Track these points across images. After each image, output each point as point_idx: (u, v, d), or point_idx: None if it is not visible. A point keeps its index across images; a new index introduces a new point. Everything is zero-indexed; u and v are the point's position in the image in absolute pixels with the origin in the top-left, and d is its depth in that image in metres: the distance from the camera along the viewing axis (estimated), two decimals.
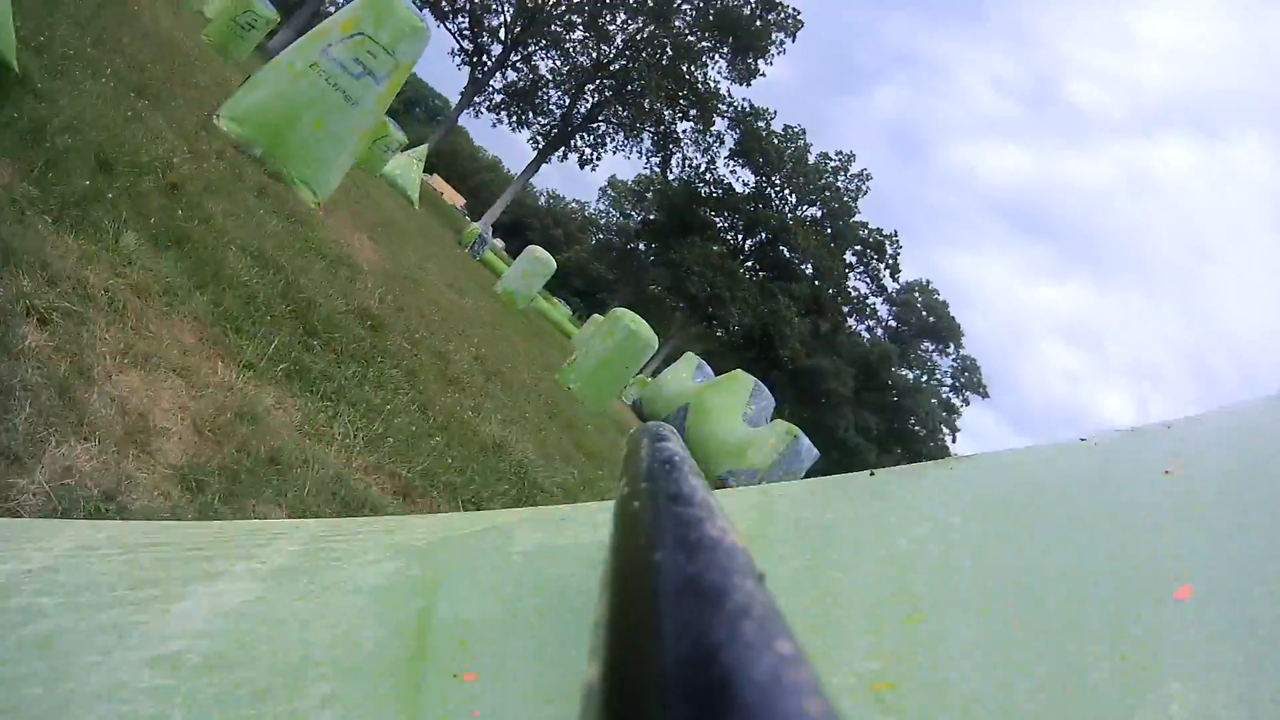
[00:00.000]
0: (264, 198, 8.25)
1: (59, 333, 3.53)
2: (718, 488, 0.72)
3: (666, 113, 57.37)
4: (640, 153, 60.37)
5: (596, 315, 42.89)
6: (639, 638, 0.34)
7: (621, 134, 59.02)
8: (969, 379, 76.27)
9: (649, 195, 67.99)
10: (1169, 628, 0.64)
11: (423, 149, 37.25)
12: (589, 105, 57.50)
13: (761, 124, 60.27)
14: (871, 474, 0.90)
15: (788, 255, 62.53)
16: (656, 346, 19.24)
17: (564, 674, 0.66)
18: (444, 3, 55.18)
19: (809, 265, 62.87)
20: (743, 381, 24.24)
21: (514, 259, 34.06)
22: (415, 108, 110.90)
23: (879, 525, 0.80)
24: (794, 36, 56.16)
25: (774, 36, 55.60)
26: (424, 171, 39.79)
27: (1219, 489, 0.77)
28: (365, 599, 0.77)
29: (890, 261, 65.41)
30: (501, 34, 56.26)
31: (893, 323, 74.49)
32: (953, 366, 76.83)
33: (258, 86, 10.21)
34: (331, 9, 47.87)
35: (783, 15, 55.48)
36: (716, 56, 55.98)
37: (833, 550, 0.78)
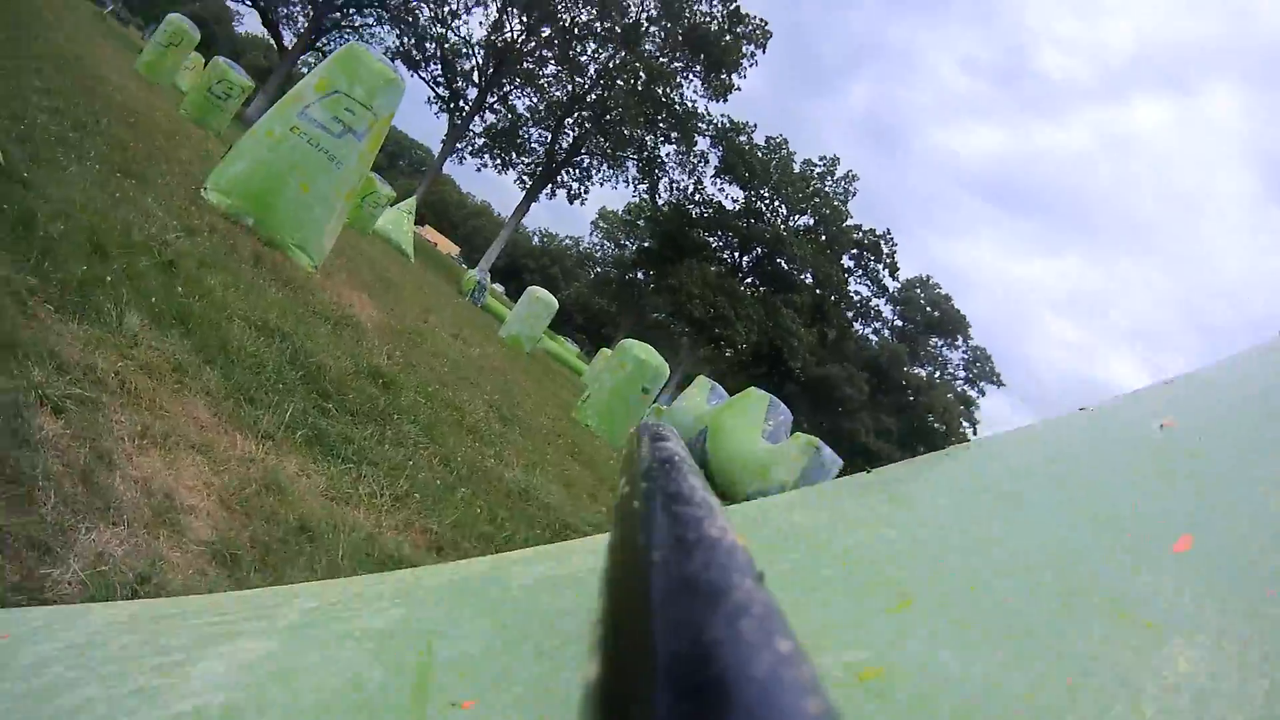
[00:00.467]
0: (260, 266, 8.18)
1: (75, 420, 3.51)
2: None
3: (648, 138, 57.80)
4: (627, 181, 60.85)
5: (605, 349, 42.85)
6: (638, 636, 0.34)
7: (606, 164, 59.49)
8: (981, 369, 76.42)
9: (641, 223, 68.30)
10: (1169, 582, 0.64)
11: (411, 201, 37.38)
12: (570, 139, 57.87)
13: (743, 138, 60.55)
14: (867, 471, 0.96)
15: (786, 267, 62.62)
16: (668, 373, 19.23)
17: (561, 696, 0.67)
18: (415, 52, 55.78)
19: (808, 274, 62.95)
20: (757, 399, 24.06)
21: (515, 302, 34.10)
22: (399, 160, 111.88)
23: (868, 519, 0.82)
24: (764, 47, 56.70)
25: (744, 49, 56.04)
26: (415, 224, 39.93)
27: (1215, 438, 0.79)
28: (371, 643, 0.79)
29: (888, 261, 65.49)
30: (475, 77, 56.77)
31: (898, 322, 74.68)
32: (964, 359, 77.01)
33: (241, 156, 10.14)
34: (305, 69, 48.33)
35: (750, 27, 55.97)
36: (690, 76, 56.50)
37: (821, 548, 0.79)
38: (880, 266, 66.16)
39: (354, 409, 6.12)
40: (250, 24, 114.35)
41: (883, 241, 64.36)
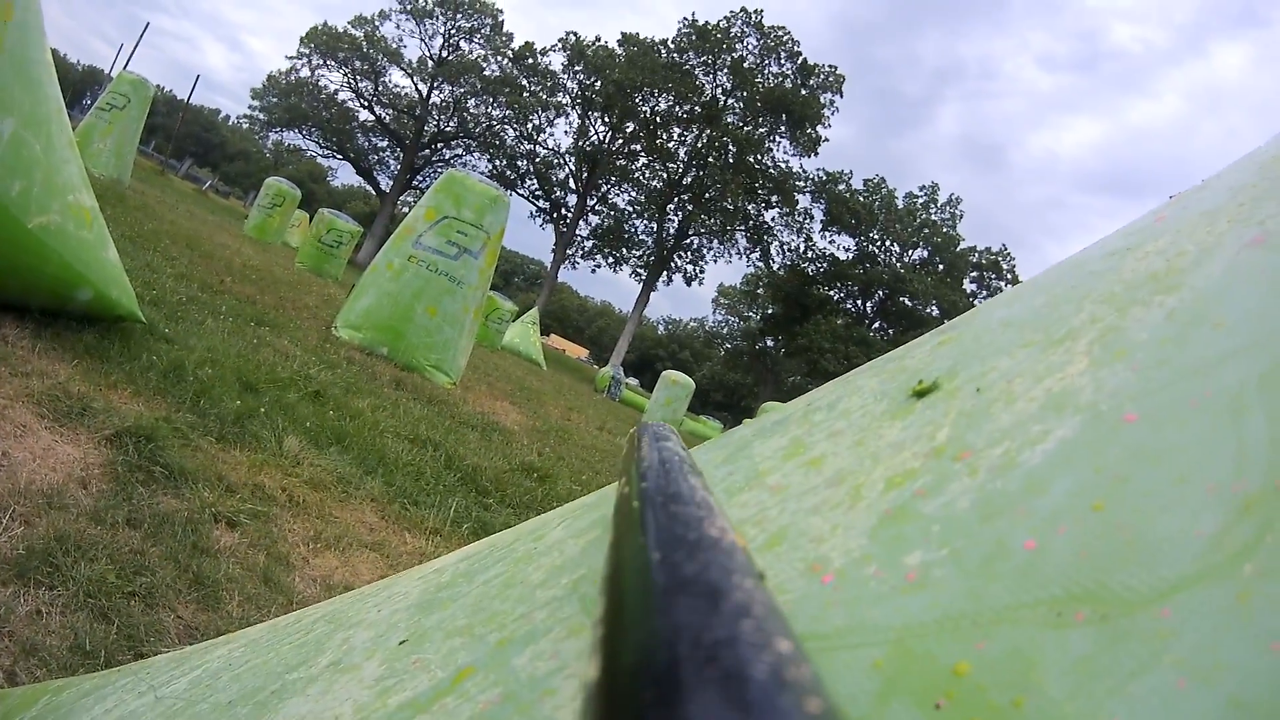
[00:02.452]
0: (401, 389, 8.41)
1: (249, 532, 3.65)
2: None
3: (750, 207, 57.83)
4: (739, 253, 60.77)
5: (748, 419, 42.53)
6: (638, 636, 0.34)
7: (715, 241, 59.59)
8: None
9: (760, 291, 67.96)
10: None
11: (534, 312, 38.10)
12: (676, 224, 58.26)
13: (842, 187, 60.08)
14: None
15: (910, 304, 61.54)
16: None
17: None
18: (509, 172, 57.16)
19: (933, 306, 61.73)
20: None
21: (650, 392, 34.19)
22: (514, 278, 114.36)
23: None
24: (840, 92, 56.53)
25: (822, 99, 56.00)
26: (540, 334, 40.57)
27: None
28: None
29: (1010, 277, 63.88)
30: (572, 183, 57.86)
31: None
32: None
33: (364, 292, 10.50)
34: (406, 208, 49.98)
35: (822, 77, 56.00)
36: (776, 137, 56.51)
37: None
38: (1003, 285, 64.54)
39: (513, 501, 6.21)
40: (345, 176, 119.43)
41: (1000, 258, 62.88)
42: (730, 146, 55.07)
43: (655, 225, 58.67)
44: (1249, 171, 0.78)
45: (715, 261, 61.40)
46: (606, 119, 56.87)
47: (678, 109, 56.08)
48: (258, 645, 1.11)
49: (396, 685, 0.77)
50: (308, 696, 0.85)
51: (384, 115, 60.60)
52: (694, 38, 56.03)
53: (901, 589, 0.52)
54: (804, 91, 55.62)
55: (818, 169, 61.64)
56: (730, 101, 56.28)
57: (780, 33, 55.83)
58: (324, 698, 0.83)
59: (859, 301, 63.71)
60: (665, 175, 57.42)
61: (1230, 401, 0.49)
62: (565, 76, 58.51)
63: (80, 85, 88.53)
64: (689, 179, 57.02)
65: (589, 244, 59.95)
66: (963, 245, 62.32)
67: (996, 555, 0.49)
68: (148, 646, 2.52)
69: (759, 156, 56.05)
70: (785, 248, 62.08)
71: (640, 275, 59.46)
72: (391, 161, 61.76)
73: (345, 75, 59.32)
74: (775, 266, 62.76)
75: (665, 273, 59.06)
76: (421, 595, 0.95)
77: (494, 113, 59.23)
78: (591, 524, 0.89)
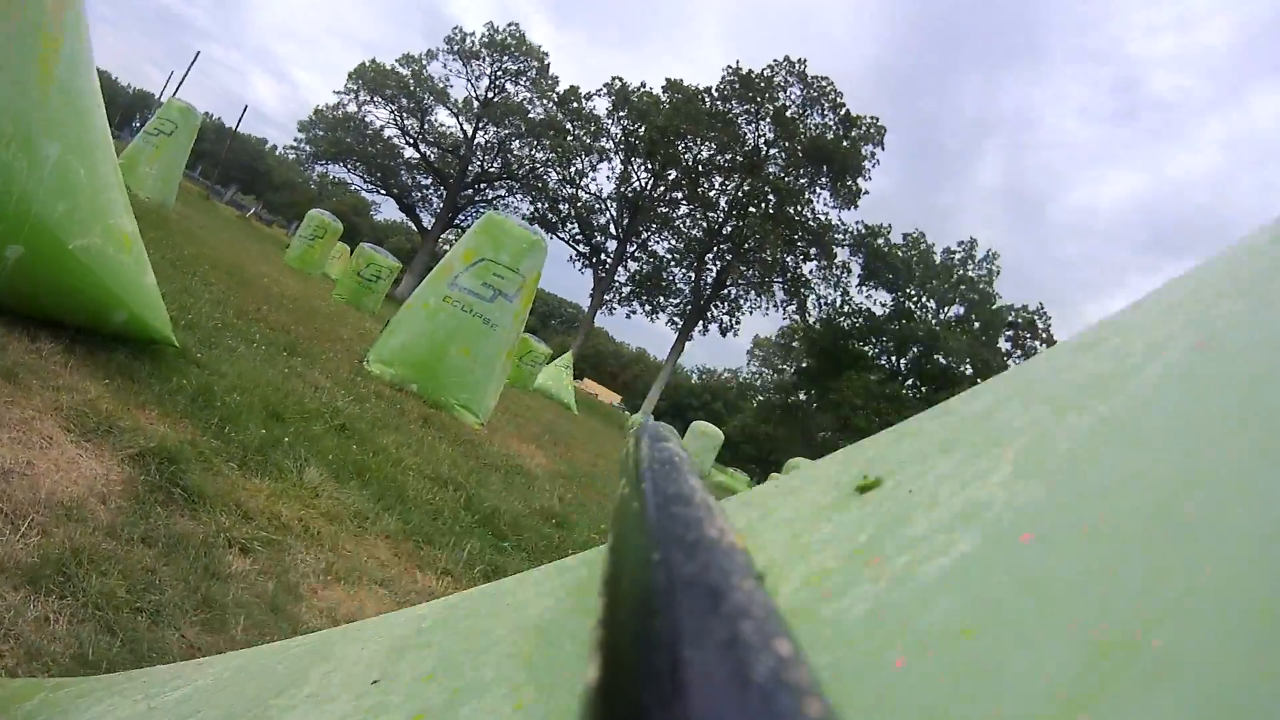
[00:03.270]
0: (429, 426, 8.42)
1: (261, 559, 3.67)
2: None
3: (788, 259, 57.85)
4: (776, 305, 60.72)
5: (775, 474, 42.35)
6: (638, 638, 0.34)
7: (753, 292, 59.62)
8: None
9: (795, 344, 67.83)
10: None
11: (568, 356, 38.12)
12: (714, 273, 58.36)
13: (881, 240, 60.04)
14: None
15: (944, 361, 61.18)
16: None
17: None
18: (550, 215, 57.53)
19: (966, 365, 61.31)
20: None
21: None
22: (551, 320, 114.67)
23: None
24: (881, 144, 56.67)
25: (863, 151, 56.15)
26: (574, 378, 40.60)
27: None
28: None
29: (1045, 335, 63.36)
30: (612, 229, 58.13)
31: None
32: None
33: (399, 329, 10.58)
34: (446, 246, 50.44)
35: (864, 128, 56.16)
36: (817, 189, 56.62)
37: None
38: (1038, 344, 64.05)
39: (529, 547, 6.17)
40: (388, 211, 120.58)
41: (1036, 317, 62.42)
42: (771, 197, 55.24)
43: (693, 274, 58.82)
44: (1221, 263, 0.76)
45: (751, 313, 61.50)
46: (649, 165, 57.24)
47: (720, 157, 56.42)
48: (249, 668, 1.12)
49: None
50: None
51: (429, 153, 61.35)
52: (738, 86, 56.46)
53: None
54: (845, 143, 55.83)
55: (857, 221, 61.69)
56: (772, 151, 56.54)
57: (823, 83, 56.16)
58: None
59: (893, 358, 63.44)
60: (705, 224, 57.64)
61: (1117, 531, 0.48)
62: (609, 121, 59.06)
63: (130, 108, 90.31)
64: (729, 229, 57.21)
65: (626, 290, 60.17)
66: (999, 303, 61.97)
67: (867, 670, 0.48)
68: (149, 662, 2.52)
69: (799, 208, 56.20)
70: (822, 301, 62.04)
71: (676, 324, 59.54)
72: (434, 199, 62.43)
73: (391, 112, 60.19)
74: (811, 319, 62.70)
75: (701, 322, 59.10)
76: (403, 636, 0.95)
77: (538, 155, 59.78)
78: (559, 586, 0.88)
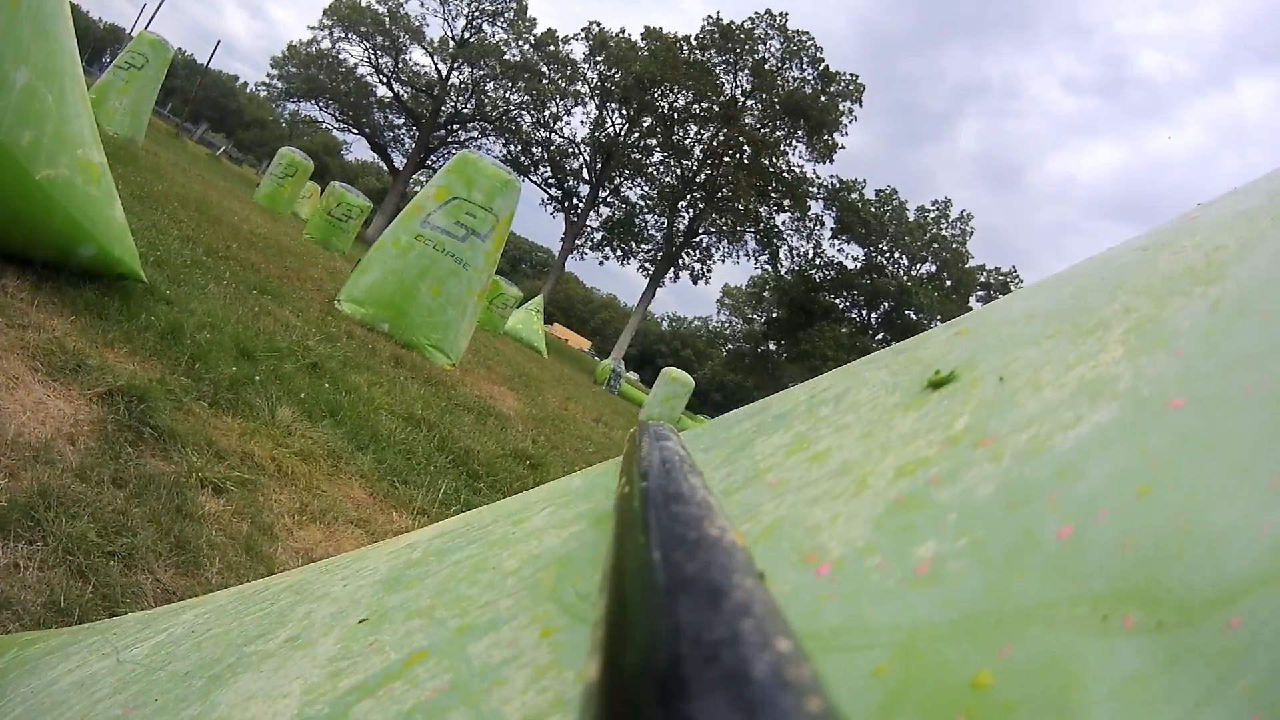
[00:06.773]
0: (400, 366, 8.38)
1: (235, 499, 3.62)
2: None
3: (762, 209, 57.81)
4: (748, 255, 60.81)
5: None
6: (638, 636, 0.34)
7: (725, 241, 59.62)
8: None
9: (766, 294, 67.95)
10: None
11: (538, 300, 38.08)
12: (687, 221, 58.27)
13: (855, 195, 60.06)
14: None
15: (914, 317, 61.49)
16: None
17: None
18: (523, 158, 57.15)
19: (937, 321, 61.60)
20: None
21: (651, 386, 34.18)
22: (521, 264, 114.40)
23: None
24: (859, 101, 56.56)
25: (841, 107, 56.03)
26: (544, 323, 40.57)
27: None
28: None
29: None
30: (585, 174, 57.86)
31: None
32: None
33: (370, 268, 10.47)
34: (417, 187, 50.09)
35: (843, 85, 56.01)
36: (793, 142, 56.48)
37: None
38: None
39: (503, 487, 6.17)
40: (360, 151, 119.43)
41: (1009, 279, 62.84)
42: (746, 147, 55.06)
43: (666, 221, 58.72)
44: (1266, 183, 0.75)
45: (723, 261, 61.45)
46: (624, 111, 56.90)
47: (696, 106, 56.12)
48: (223, 612, 1.09)
49: (349, 667, 0.75)
50: (261, 673, 0.82)
51: (402, 92, 60.65)
52: (717, 36, 56.07)
53: (910, 583, 0.48)
54: (823, 98, 55.66)
55: (832, 176, 61.72)
56: (749, 102, 56.29)
57: (804, 37, 55.88)
58: (276, 675, 0.80)
59: (864, 311, 63.72)
60: (679, 171, 57.43)
61: None
62: (586, 66, 58.59)
63: (101, 43, 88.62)
64: (702, 177, 57.03)
65: (598, 235, 60.05)
66: (972, 263, 62.28)
67: (1024, 545, 0.45)
68: (123, 608, 2.49)
69: (774, 159, 56.06)
70: (794, 252, 62.14)
71: (648, 270, 59.53)
72: (407, 139, 61.83)
73: (366, 50, 59.39)
74: (783, 270, 62.79)
75: (673, 269, 59.11)
76: (389, 571, 0.92)
77: (512, 97, 59.25)
78: (578, 515, 0.85)
